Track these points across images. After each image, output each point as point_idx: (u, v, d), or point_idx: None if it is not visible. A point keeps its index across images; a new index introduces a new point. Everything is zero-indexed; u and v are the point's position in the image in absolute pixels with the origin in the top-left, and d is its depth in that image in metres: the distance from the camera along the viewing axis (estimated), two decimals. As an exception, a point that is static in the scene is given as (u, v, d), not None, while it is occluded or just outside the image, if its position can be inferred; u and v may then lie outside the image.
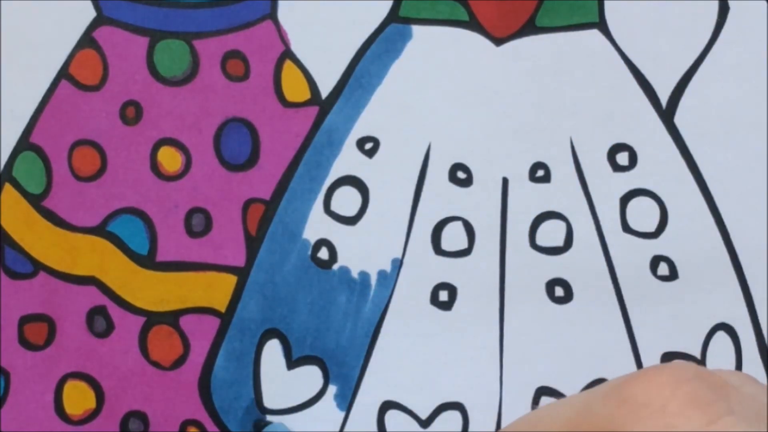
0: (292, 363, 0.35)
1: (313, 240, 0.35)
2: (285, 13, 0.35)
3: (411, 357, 0.35)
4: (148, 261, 0.35)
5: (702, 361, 0.35)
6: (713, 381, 0.23)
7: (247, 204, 0.35)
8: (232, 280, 0.35)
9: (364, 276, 0.35)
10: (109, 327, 0.34)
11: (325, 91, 0.35)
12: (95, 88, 0.35)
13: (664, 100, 0.35)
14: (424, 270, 0.35)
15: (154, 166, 0.35)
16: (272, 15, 0.35)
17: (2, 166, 0.35)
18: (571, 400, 0.25)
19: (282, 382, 0.35)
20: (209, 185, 0.35)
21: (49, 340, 0.34)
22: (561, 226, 0.35)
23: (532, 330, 0.35)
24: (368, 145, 0.35)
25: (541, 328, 0.35)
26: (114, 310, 0.35)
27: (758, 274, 0.35)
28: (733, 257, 0.35)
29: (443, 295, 0.35)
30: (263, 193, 0.35)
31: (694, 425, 0.22)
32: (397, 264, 0.35)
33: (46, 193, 0.35)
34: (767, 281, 0.35)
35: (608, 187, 0.35)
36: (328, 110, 0.35)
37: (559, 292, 0.35)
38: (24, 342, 0.34)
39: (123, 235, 0.35)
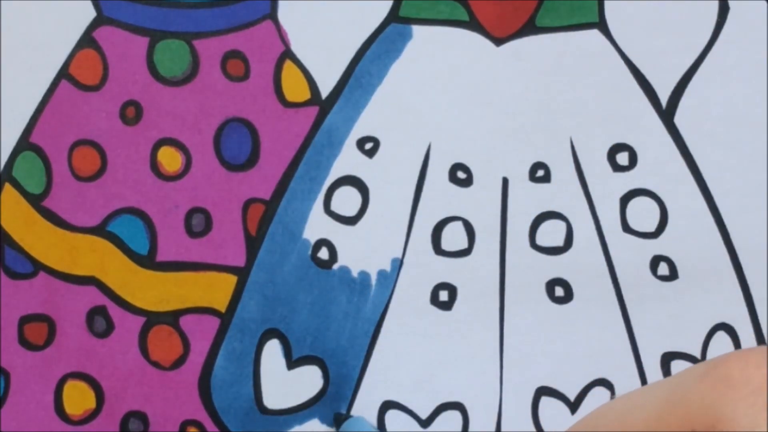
0: (292, 363, 0.35)
1: (313, 240, 0.35)
2: (285, 13, 0.35)
3: (411, 357, 0.35)
4: (148, 261, 0.35)
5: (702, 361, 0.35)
6: None
7: (247, 204, 0.35)
8: (232, 280, 0.35)
9: (364, 276, 0.35)
10: (109, 327, 0.34)
11: (325, 91, 0.35)
12: (95, 88, 0.35)
13: (664, 100, 0.35)
14: (424, 270, 0.35)
15: (154, 166, 0.35)
16: (272, 15, 0.35)
17: (2, 166, 0.35)
18: (660, 385, 0.24)
19: (282, 382, 0.35)
20: (209, 185, 0.35)
21: (49, 340, 0.34)
22: (561, 226, 0.35)
23: (532, 330, 0.35)
24: (368, 145, 0.35)
25: (541, 328, 0.35)
26: (114, 310, 0.35)
27: (758, 274, 0.35)
28: (733, 257, 0.35)
29: (443, 295, 0.35)
30: (263, 193, 0.35)
31: None
32: (397, 264, 0.35)
33: (46, 193, 0.35)
34: (767, 281, 0.35)
35: (608, 187, 0.35)
36: (328, 110, 0.35)
37: (559, 292, 0.35)
38: (24, 342, 0.34)
39: (123, 235, 0.35)
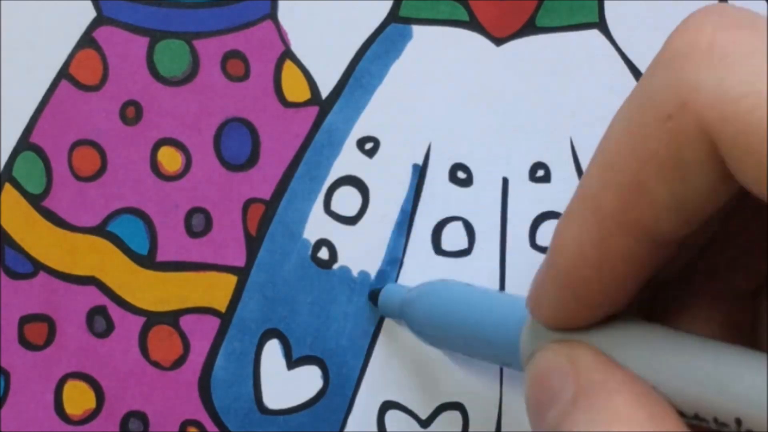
0: (292, 363, 0.35)
1: (313, 240, 0.35)
2: (285, 13, 0.35)
3: (411, 357, 0.35)
4: (148, 261, 0.35)
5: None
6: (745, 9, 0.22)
7: (247, 204, 0.35)
8: (232, 280, 0.35)
9: (364, 276, 0.35)
10: (109, 327, 0.34)
11: (325, 91, 0.35)
12: (95, 88, 0.35)
13: (664, 100, 0.35)
14: (424, 270, 0.35)
15: (154, 166, 0.35)
16: (272, 15, 0.35)
17: (2, 166, 0.35)
18: (618, 115, 0.23)
19: (282, 382, 0.35)
20: (209, 185, 0.35)
21: (49, 340, 0.34)
22: (561, 226, 0.35)
23: (532, 330, 0.35)
24: (368, 145, 0.35)
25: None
26: (114, 310, 0.35)
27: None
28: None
29: (443, 295, 0.35)
30: (263, 193, 0.35)
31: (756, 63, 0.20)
32: (397, 264, 0.35)
33: (46, 193, 0.35)
34: (767, 281, 0.35)
35: (608, 187, 0.35)
36: (328, 110, 0.35)
37: (559, 292, 0.35)
38: (24, 342, 0.34)
39: (123, 235, 0.35)
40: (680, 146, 0.21)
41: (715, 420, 0.22)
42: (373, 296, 0.34)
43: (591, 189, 0.23)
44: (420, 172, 0.35)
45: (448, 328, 0.30)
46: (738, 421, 0.22)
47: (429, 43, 0.35)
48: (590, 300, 0.24)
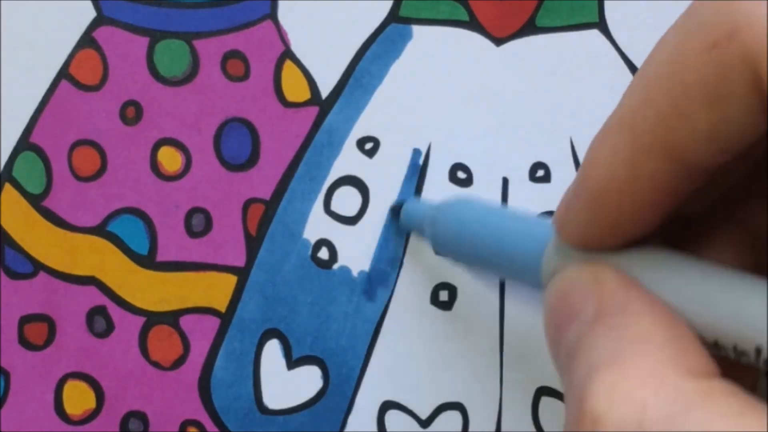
0: (292, 363, 0.35)
1: (313, 240, 0.35)
2: (285, 13, 0.35)
3: (411, 357, 0.35)
4: (148, 261, 0.35)
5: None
6: None
7: (247, 204, 0.35)
8: (232, 280, 0.35)
9: (364, 276, 0.35)
10: (109, 327, 0.34)
11: (325, 91, 0.35)
12: (95, 88, 0.35)
13: (664, 100, 0.35)
14: (424, 270, 0.35)
15: (154, 166, 0.35)
16: (272, 15, 0.35)
17: (2, 166, 0.35)
18: (662, 40, 0.23)
19: (282, 382, 0.35)
20: (209, 185, 0.35)
21: (49, 340, 0.34)
22: (561, 226, 0.35)
23: (532, 330, 0.35)
24: (368, 145, 0.35)
25: (541, 328, 0.35)
26: (114, 310, 0.35)
27: (758, 274, 0.35)
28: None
29: (443, 295, 0.35)
30: (263, 193, 0.35)
31: None
32: (397, 264, 0.35)
33: (46, 193, 0.35)
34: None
35: (608, 187, 0.35)
36: (328, 110, 0.35)
37: (559, 292, 0.35)
38: (24, 342, 0.34)
39: (123, 235, 0.35)
40: (723, 75, 0.21)
41: (735, 348, 0.22)
42: (395, 211, 0.34)
43: (629, 110, 0.23)
44: (420, 172, 0.35)
45: (472, 244, 0.30)
46: (758, 351, 0.22)
47: (429, 43, 0.35)
48: (618, 220, 0.24)
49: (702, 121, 0.22)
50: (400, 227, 0.34)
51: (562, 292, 0.25)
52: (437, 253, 0.32)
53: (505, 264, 0.29)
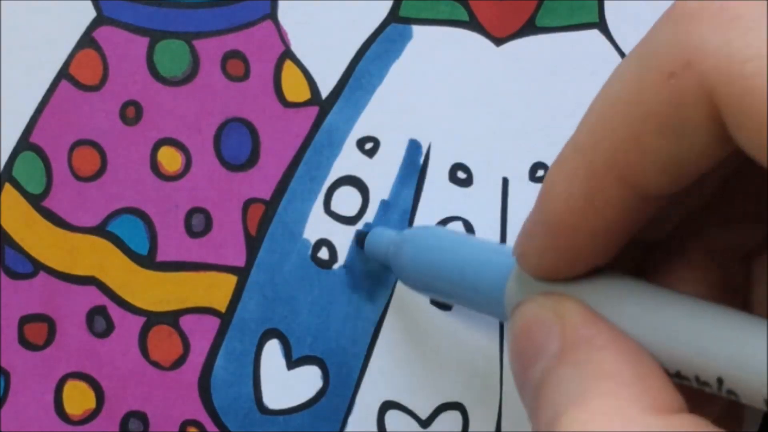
0: (292, 363, 0.35)
1: (313, 240, 0.35)
2: (285, 13, 0.35)
3: (411, 357, 0.35)
4: (148, 261, 0.35)
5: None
6: None
7: (247, 204, 0.35)
8: (232, 280, 0.35)
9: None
10: (109, 327, 0.34)
11: (325, 91, 0.35)
12: (95, 88, 0.35)
13: (664, 100, 0.35)
14: (424, 270, 0.35)
15: (154, 166, 0.35)
16: (272, 15, 0.35)
17: (2, 166, 0.35)
18: (632, 50, 0.23)
19: (282, 382, 0.35)
20: (209, 185, 0.35)
21: (49, 340, 0.34)
22: (561, 226, 0.35)
23: (532, 330, 0.35)
24: (368, 145, 0.35)
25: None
26: (114, 310, 0.35)
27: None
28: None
29: (443, 295, 0.35)
30: (263, 193, 0.35)
31: None
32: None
33: (46, 193, 0.35)
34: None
35: (608, 187, 0.35)
36: (328, 110, 0.35)
37: (559, 292, 0.35)
38: (24, 342, 0.34)
39: (123, 235, 0.35)
40: (680, 105, 0.21)
41: (697, 378, 0.22)
42: (360, 239, 0.34)
43: (586, 138, 0.23)
44: (420, 172, 0.35)
45: (434, 274, 0.30)
46: (720, 381, 0.22)
47: (429, 43, 0.35)
48: (576, 250, 0.24)
49: (658, 149, 0.22)
50: (365, 254, 0.34)
51: (526, 327, 0.25)
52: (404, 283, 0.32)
53: (469, 295, 0.28)
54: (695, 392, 0.23)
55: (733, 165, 0.24)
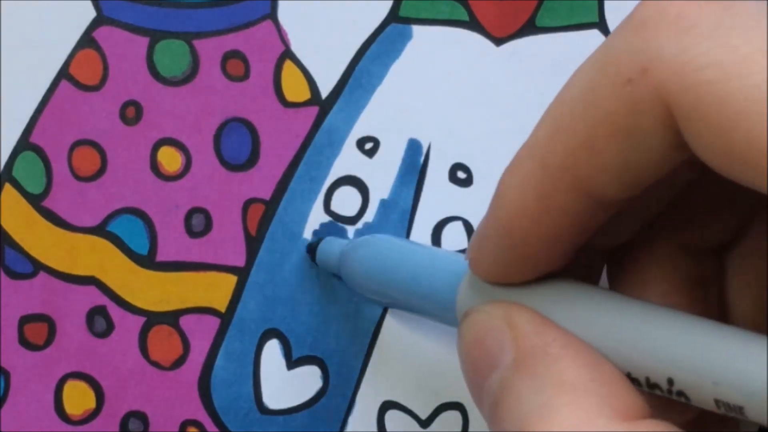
0: (292, 363, 0.35)
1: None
2: (285, 13, 0.35)
3: (411, 357, 0.35)
4: (148, 261, 0.35)
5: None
6: None
7: (247, 204, 0.35)
8: (232, 280, 0.35)
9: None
10: (109, 327, 0.34)
11: (325, 91, 0.35)
12: (95, 88, 0.35)
13: (664, 100, 0.35)
14: (424, 270, 0.35)
15: (154, 166, 0.35)
16: (272, 15, 0.35)
17: (2, 166, 0.35)
18: (577, 74, 0.23)
19: (282, 382, 0.35)
20: (209, 185, 0.35)
21: (49, 340, 0.34)
22: (561, 226, 0.35)
23: (532, 330, 0.35)
24: (368, 145, 0.35)
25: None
26: (114, 310, 0.35)
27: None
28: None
29: (443, 295, 0.35)
30: (263, 193, 0.35)
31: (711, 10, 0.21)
32: (397, 264, 0.35)
33: (46, 193, 0.35)
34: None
35: (608, 187, 0.35)
36: (328, 110, 0.35)
37: (559, 292, 0.35)
38: (24, 342, 0.34)
39: (123, 235, 0.35)
40: (636, 112, 0.21)
41: (647, 381, 0.22)
42: (311, 250, 0.34)
43: (540, 142, 0.23)
44: (420, 172, 0.35)
45: (384, 281, 0.30)
46: (670, 381, 0.22)
47: (429, 43, 0.35)
48: (528, 254, 0.24)
49: (612, 155, 0.22)
50: (318, 265, 0.34)
51: (477, 336, 0.25)
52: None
53: (420, 304, 0.28)
54: (664, 398, 0.23)
55: (697, 167, 0.24)
